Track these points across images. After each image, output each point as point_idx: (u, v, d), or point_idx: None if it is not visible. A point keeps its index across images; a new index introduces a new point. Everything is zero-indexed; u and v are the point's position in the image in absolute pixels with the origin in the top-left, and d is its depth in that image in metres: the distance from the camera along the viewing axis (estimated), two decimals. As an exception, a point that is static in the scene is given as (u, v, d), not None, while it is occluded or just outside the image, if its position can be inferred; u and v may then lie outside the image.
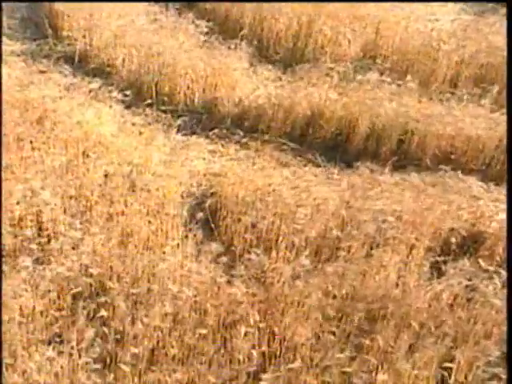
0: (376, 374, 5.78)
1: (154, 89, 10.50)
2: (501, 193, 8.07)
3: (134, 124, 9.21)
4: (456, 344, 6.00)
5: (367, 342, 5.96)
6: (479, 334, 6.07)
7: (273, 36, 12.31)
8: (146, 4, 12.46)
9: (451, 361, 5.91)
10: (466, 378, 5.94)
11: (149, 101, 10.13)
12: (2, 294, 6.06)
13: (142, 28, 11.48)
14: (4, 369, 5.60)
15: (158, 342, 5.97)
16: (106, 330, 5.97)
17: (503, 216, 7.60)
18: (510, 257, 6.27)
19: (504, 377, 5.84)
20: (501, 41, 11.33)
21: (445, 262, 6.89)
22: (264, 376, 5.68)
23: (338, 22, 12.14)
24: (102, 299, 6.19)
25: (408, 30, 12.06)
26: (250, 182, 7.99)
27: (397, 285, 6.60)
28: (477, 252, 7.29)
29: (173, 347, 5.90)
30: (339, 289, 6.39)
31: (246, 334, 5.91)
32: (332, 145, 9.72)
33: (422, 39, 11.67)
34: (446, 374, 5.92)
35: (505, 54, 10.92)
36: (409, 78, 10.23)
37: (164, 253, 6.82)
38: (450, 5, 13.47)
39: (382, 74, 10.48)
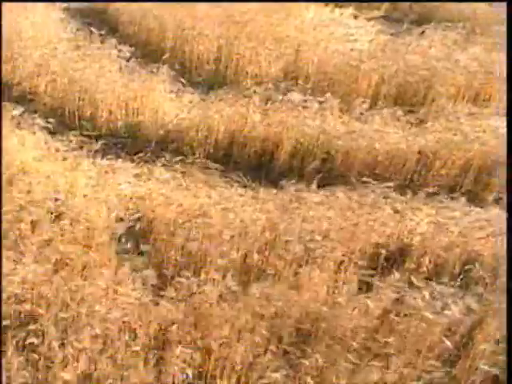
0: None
1: (76, 115, 10.49)
2: (423, 206, 8.24)
3: (58, 150, 9.11)
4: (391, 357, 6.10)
5: (301, 360, 6.02)
6: (413, 346, 6.18)
7: (194, 59, 12.44)
8: (69, 32, 12.48)
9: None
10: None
11: (72, 127, 10.12)
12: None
13: (65, 55, 11.43)
14: None
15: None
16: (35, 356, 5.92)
17: (424, 229, 7.80)
18: (510, 260, 6.36)
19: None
20: (417, 59, 11.73)
21: (372, 276, 7.00)
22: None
23: (257, 43, 12.32)
24: (32, 326, 6.10)
25: (328, 50, 12.29)
26: (178, 204, 7.99)
27: (326, 302, 6.66)
28: (403, 265, 7.44)
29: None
30: (267, 309, 6.39)
31: (178, 355, 5.93)
32: (256, 164, 9.83)
33: (342, 59, 11.89)
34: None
35: (422, 72, 11.30)
36: (330, 97, 10.37)
37: (94, 278, 6.76)
38: (368, 26, 13.80)
39: (304, 93, 10.65)
